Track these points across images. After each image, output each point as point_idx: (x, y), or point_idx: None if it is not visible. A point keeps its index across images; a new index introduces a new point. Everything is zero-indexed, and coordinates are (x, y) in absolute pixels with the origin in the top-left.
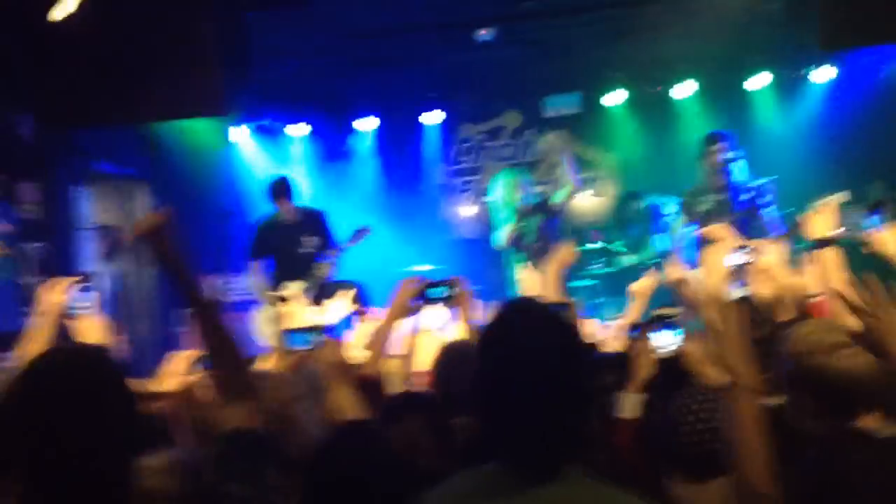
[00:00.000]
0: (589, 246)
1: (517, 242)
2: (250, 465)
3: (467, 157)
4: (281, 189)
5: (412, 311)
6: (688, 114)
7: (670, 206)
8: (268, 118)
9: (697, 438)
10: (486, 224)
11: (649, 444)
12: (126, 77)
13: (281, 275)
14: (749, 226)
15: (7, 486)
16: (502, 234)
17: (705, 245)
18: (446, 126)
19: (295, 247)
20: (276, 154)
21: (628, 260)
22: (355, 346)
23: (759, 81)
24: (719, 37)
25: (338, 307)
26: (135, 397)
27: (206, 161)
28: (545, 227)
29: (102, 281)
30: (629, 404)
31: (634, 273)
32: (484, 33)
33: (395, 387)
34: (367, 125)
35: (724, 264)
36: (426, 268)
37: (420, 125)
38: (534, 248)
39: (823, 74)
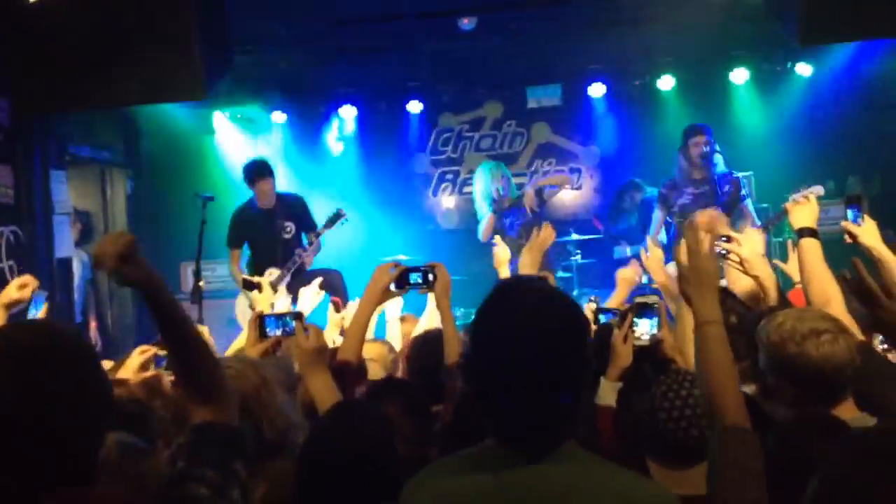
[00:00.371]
0: (567, 238)
1: (496, 235)
2: (218, 455)
3: (448, 147)
4: (258, 171)
5: (390, 296)
6: (669, 106)
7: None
8: (247, 104)
9: (674, 426)
10: (466, 215)
11: (627, 431)
12: (104, 60)
13: (260, 262)
14: (729, 217)
15: None
16: (482, 227)
17: (685, 235)
18: (427, 116)
19: (273, 234)
20: (255, 141)
21: (625, 250)
22: (331, 333)
23: (739, 76)
24: (700, 30)
25: (308, 294)
26: (105, 375)
27: (185, 147)
28: (524, 218)
29: (76, 267)
30: (607, 392)
31: (614, 264)
32: (466, 23)
33: (374, 372)
34: (348, 113)
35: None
36: (405, 258)
37: (400, 114)
38: (513, 241)
39: (802, 70)
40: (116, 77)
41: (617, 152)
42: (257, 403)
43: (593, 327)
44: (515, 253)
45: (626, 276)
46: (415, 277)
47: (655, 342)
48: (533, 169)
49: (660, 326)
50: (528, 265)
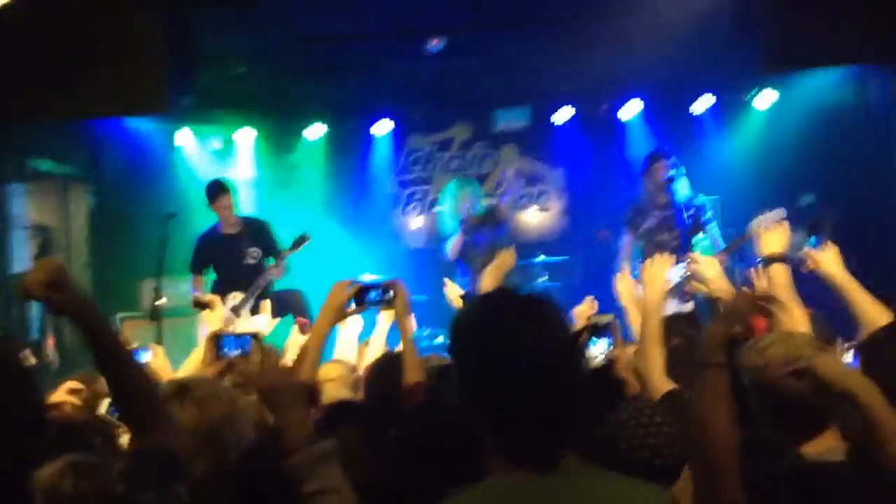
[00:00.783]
0: (534, 259)
1: (463, 254)
2: (161, 478)
3: (418, 166)
4: (216, 190)
5: (347, 314)
6: (636, 130)
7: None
8: (213, 121)
9: (636, 455)
10: (435, 235)
11: (586, 455)
12: (66, 72)
13: (224, 287)
14: (691, 242)
15: None
16: (450, 244)
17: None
18: (396, 136)
19: (237, 258)
20: (220, 158)
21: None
22: (292, 354)
23: (702, 104)
24: (666, 56)
25: (263, 317)
26: (38, 397)
27: (148, 163)
28: (492, 238)
29: None
30: None
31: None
32: (435, 43)
33: (336, 393)
34: (316, 132)
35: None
36: (373, 277)
37: (369, 134)
38: (480, 259)
39: (766, 97)
40: (78, 89)
41: (585, 175)
42: (217, 422)
43: None
44: (479, 270)
45: (582, 312)
46: (373, 295)
47: (608, 361)
48: (501, 191)
49: (615, 345)
50: (490, 287)
